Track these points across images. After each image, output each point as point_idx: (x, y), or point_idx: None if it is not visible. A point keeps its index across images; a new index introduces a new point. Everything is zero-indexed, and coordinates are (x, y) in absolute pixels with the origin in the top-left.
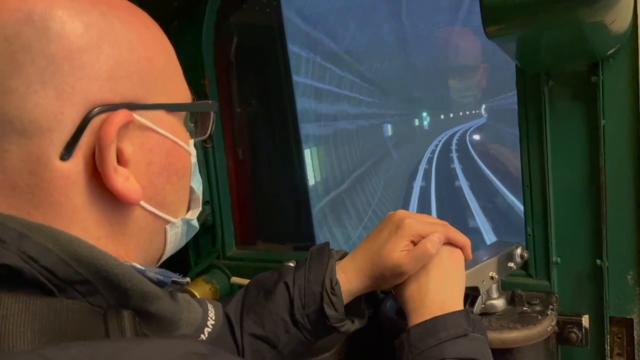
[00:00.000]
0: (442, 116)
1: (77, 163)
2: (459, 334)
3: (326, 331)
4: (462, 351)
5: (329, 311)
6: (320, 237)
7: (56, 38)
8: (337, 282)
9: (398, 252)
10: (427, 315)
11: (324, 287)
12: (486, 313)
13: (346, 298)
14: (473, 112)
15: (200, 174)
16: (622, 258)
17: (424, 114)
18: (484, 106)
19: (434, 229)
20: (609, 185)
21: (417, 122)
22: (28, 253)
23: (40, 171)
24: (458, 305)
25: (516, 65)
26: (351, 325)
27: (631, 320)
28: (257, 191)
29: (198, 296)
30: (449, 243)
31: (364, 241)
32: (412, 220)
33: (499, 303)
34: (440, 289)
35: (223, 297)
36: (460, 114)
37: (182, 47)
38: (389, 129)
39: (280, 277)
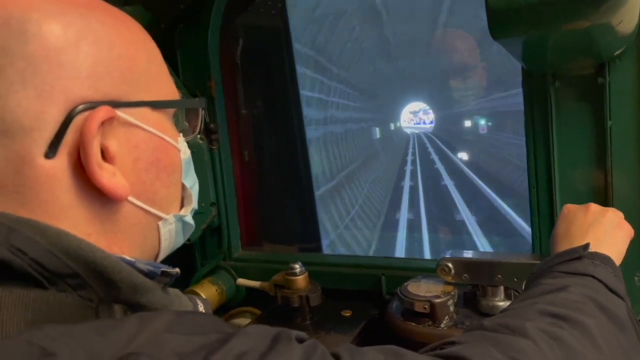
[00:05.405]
0: None
1: (62, 161)
2: (572, 257)
3: None
4: (572, 268)
5: None
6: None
7: (33, 39)
8: None
9: None
10: None
11: None
12: (488, 313)
13: None
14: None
15: (207, 176)
16: (629, 259)
17: None
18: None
19: None
20: (615, 185)
21: None
22: (17, 246)
23: (25, 170)
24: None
25: (522, 66)
26: None
27: (638, 321)
28: (263, 192)
29: (204, 296)
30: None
31: None
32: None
33: (502, 303)
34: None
35: (229, 299)
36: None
37: (188, 49)
38: None
39: None
